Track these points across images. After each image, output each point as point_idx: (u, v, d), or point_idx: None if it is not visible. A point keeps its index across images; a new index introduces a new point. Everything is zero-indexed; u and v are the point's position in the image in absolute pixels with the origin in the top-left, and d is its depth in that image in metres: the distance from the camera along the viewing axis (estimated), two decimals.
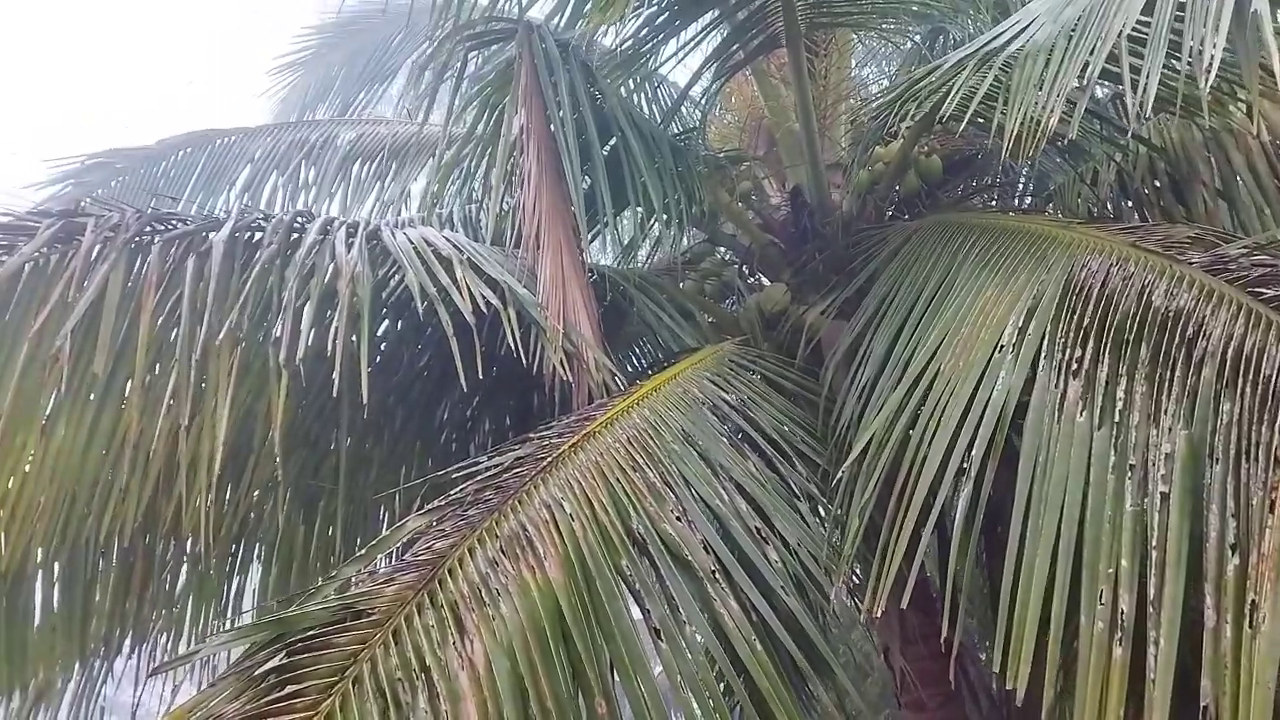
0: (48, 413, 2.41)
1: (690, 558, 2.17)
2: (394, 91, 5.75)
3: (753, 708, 2.04)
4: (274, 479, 3.09)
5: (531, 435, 2.51)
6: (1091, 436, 1.95)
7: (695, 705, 2.00)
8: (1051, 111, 2.31)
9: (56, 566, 3.23)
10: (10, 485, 2.46)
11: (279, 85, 6.08)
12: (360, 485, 3.60)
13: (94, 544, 3.02)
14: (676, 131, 4.08)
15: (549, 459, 2.32)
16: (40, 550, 2.93)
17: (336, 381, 2.44)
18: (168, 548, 3.22)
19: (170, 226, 2.61)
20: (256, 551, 3.52)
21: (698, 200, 3.52)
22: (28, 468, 2.48)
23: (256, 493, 3.16)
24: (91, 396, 2.45)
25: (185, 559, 3.30)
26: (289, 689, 1.64)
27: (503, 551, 2.01)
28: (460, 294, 2.55)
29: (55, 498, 2.54)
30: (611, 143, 3.42)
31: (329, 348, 2.50)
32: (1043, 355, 2.15)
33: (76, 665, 3.45)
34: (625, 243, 4.00)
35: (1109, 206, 3.80)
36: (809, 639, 2.23)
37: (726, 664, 2.06)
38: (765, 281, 3.95)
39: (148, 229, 2.57)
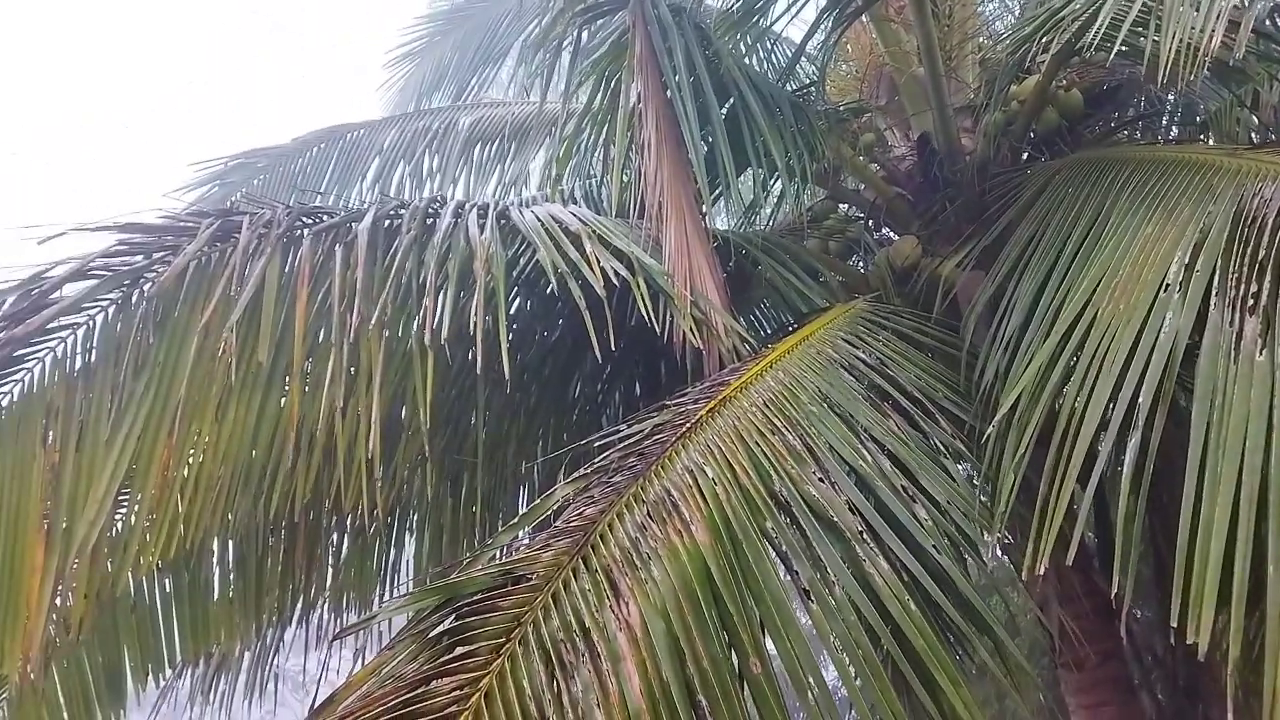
0: (218, 401, 2.58)
1: (836, 519, 2.15)
2: (504, 75, 5.85)
3: (909, 666, 2.01)
4: (422, 456, 3.23)
5: (668, 402, 2.53)
6: (1273, 375, 1.81)
7: (849, 664, 1.99)
8: (1211, 34, 2.14)
9: (231, 544, 3.50)
10: (188, 470, 2.66)
11: (395, 76, 6.28)
12: (500, 460, 3.72)
13: (264, 521, 3.24)
14: (794, 88, 3.99)
15: (687, 424, 2.33)
16: (216, 528, 3.16)
17: (478, 361, 2.52)
18: (330, 523, 3.41)
19: (318, 219, 2.74)
20: (409, 524, 3.70)
21: (819, 156, 3.44)
22: (203, 453, 2.66)
23: (407, 469, 3.31)
24: (257, 384, 2.61)
25: (346, 533, 3.49)
26: (460, 650, 1.72)
27: (650, 516, 2.04)
28: (591, 268, 2.57)
29: (229, 479, 2.72)
30: (729, 104, 3.38)
31: (470, 327, 2.58)
32: (1214, 292, 2.00)
33: (253, 635, 3.74)
34: (746, 204, 3.95)
35: (1271, 130, 3.50)
36: (962, 597, 2.17)
37: (879, 623, 2.03)
38: (893, 235, 3.84)
39: (298, 223, 2.70)
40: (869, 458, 2.35)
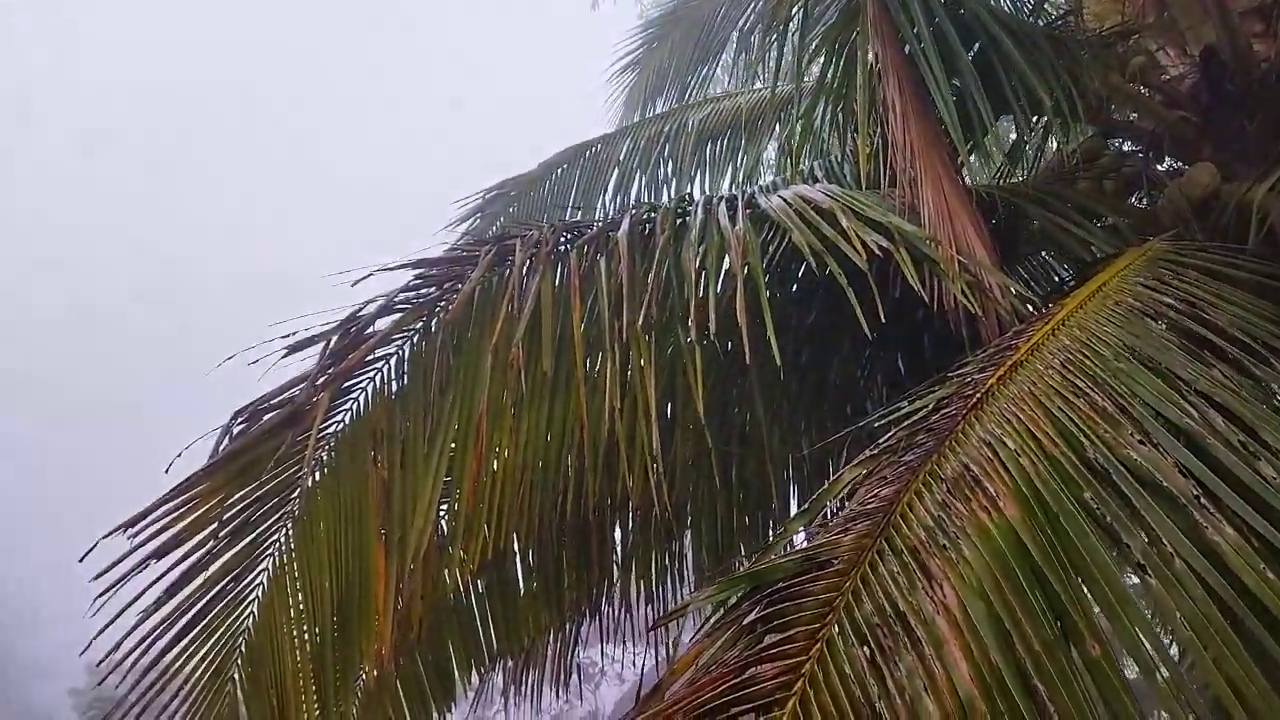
0: (513, 412, 2.78)
1: (1165, 483, 1.94)
2: (721, 70, 5.86)
3: (1272, 640, 1.77)
4: (696, 450, 3.30)
5: (948, 374, 2.41)
6: None
7: (1199, 643, 1.78)
8: None
9: (530, 545, 3.75)
10: (494, 477, 2.88)
11: (618, 89, 6.48)
12: (766, 451, 3.72)
13: (558, 521, 3.45)
14: (1045, 23, 3.67)
15: (976, 395, 2.20)
16: (520, 530, 3.41)
17: (745, 352, 2.53)
18: (617, 520, 3.58)
19: (579, 233, 2.88)
20: (687, 518, 3.79)
21: (1085, 89, 3.14)
22: (505, 461, 2.87)
23: (682, 463, 3.39)
24: (544, 393, 2.78)
25: (632, 529, 3.64)
26: (774, 637, 1.73)
27: (951, 494, 1.95)
28: (850, 242, 2.51)
29: (528, 484, 2.93)
30: (975, 50, 3.16)
31: (731, 318, 2.60)
32: None
33: (555, 629, 3.99)
34: (1004, 155, 3.69)
35: None
36: None
37: (1233, 597, 1.80)
38: (1181, 165, 3.42)
39: (562, 239, 2.86)
40: (1194, 413, 2.10)
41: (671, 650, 3.82)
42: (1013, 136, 4.03)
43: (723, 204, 2.83)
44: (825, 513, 2.31)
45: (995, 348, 2.42)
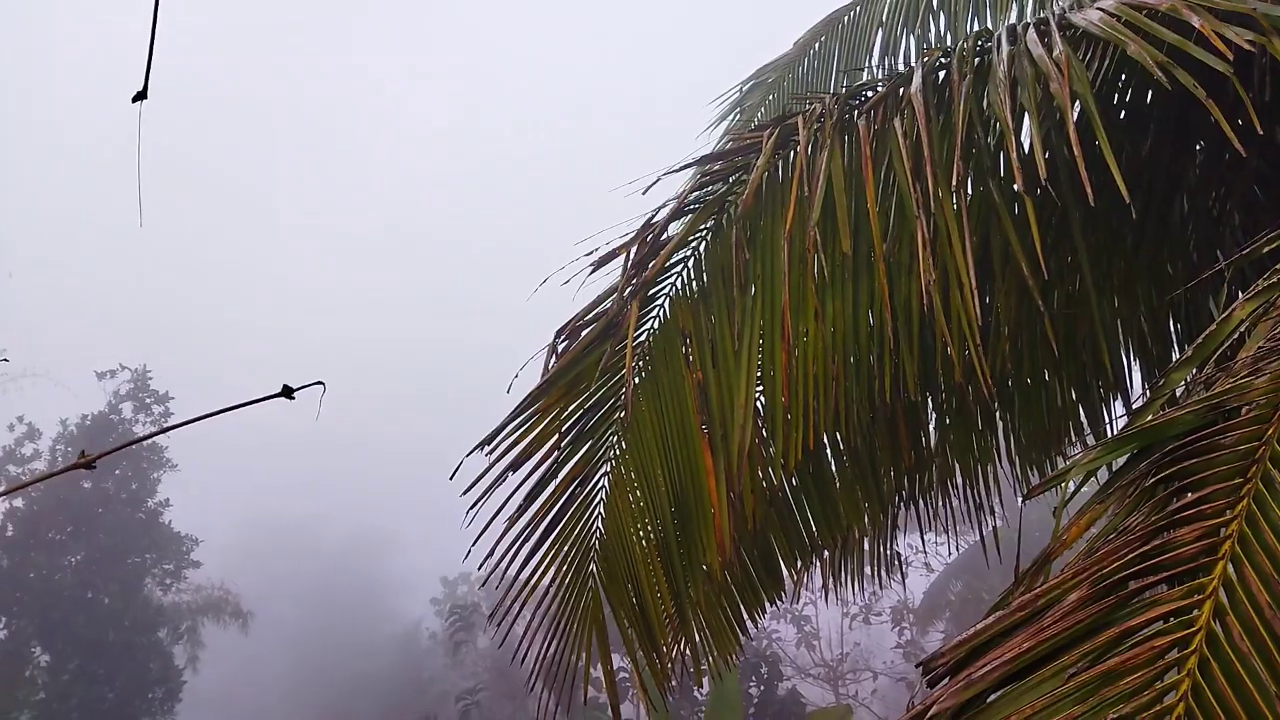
0: (816, 298, 2.67)
1: None
2: None
3: None
4: (1018, 316, 3.01)
5: None
6: None
7: None
8: None
9: (839, 435, 3.67)
10: (802, 368, 2.81)
11: None
12: (1100, 308, 3.33)
13: (869, 408, 3.33)
14: None
15: None
16: (829, 420, 3.33)
17: (1088, 192, 2.22)
18: (928, 402, 3.39)
19: (864, 98, 2.67)
20: (1008, 394, 3.51)
21: None
22: (814, 350, 2.78)
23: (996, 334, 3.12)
24: (846, 274, 2.65)
25: (946, 411, 3.43)
26: (1178, 500, 1.52)
27: None
28: (1208, 44, 2.09)
29: (840, 371, 2.82)
30: None
31: (1060, 160, 2.29)
32: None
33: (871, 519, 3.90)
34: None
35: None
36: None
37: None
38: None
39: (846, 108, 2.66)
40: None
41: (994, 538, 3.62)
42: None
43: (1031, 31, 2.48)
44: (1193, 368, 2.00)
45: None
